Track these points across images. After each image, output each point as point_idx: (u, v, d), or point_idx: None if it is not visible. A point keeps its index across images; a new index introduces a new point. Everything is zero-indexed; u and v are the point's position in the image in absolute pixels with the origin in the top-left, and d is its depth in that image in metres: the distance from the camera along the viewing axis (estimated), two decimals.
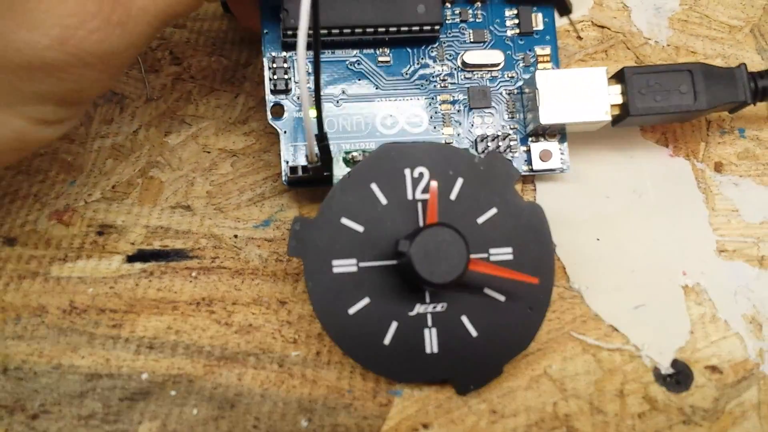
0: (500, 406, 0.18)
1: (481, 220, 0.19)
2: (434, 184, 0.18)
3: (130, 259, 0.21)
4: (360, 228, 0.18)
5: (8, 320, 0.20)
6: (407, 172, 0.19)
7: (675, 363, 0.19)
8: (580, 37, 0.24)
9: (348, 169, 0.19)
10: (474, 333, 0.17)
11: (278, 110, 0.21)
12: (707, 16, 0.26)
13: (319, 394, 0.19)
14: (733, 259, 0.21)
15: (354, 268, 0.18)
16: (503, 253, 0.18)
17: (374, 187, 0.19)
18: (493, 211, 0.19)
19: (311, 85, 0.20)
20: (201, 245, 0.21)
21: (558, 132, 0.22)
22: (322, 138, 0.19)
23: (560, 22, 0.25)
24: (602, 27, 0.26)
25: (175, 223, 0.21)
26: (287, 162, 0.21)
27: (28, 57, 0.16)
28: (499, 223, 0.18)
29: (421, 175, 0.19)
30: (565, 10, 0.22)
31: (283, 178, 0.21)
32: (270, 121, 0.21)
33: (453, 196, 0.19)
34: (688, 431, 0.18)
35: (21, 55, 0.16)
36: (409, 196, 0.19)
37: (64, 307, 0.20)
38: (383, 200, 0.19)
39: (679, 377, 0.19)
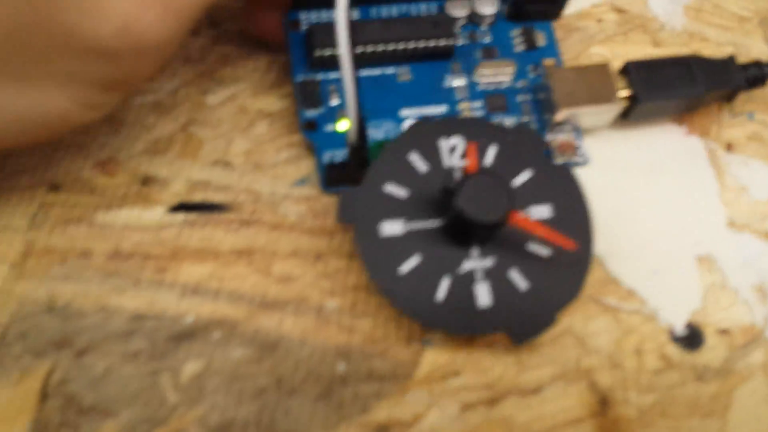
0: (526, 358, 0.20)
1: (517, 182, 0.20)
2: (471, 144, 0.19)
3: (173, 209, 0.21)
4: (403, 193, 0.19)
5: (54, 262, 0.20)
6: (442, 142, 0.20)
7: (688, 326, 0.20)
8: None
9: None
10: (523, 286, 0.19)
11: (311, 125, 0.22)
12: (719, 6, 0.28)
13: (355, 341, 0.20)
14: (742, 233, 0.22)
15: (401, 230, 0.19)
16: (542, 211, 0.19)
17: (412, 157, 0.20)
18: (528, 173, 0.20)
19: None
20: (240, 200, 0.22)
21: (573, 129, 0.23)
22: (361, 146, 0.20)
23: (582, 4, 0.27)
24: (621, 11, 0.27)
25: (215, 178, 0.22)
26: (323, 167, 0.22)
27: (89, 44, 0.16)
28: (535, 184, 0.20)
29: (455, 145, 0.20)
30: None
31: (320, 185, 0.22)
32: (303, 134, 0.22)
33: (488, 161, 0.20)
34: (700, 387, 0.19)
35: (83, 42, 0.16)
36: (446, 164, 0.20)
37: (110, 252, 0.21)
38: (422, 168, 0.20)
39: (692, 339, 0.20)
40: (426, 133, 0.20)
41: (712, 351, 0.20)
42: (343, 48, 0.18)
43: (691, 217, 0.22)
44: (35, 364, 0.19)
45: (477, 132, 0.20)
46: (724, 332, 0.20)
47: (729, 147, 0.24)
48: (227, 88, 0.24)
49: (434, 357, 0.19)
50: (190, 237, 0.21)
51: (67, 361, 0.19)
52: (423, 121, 0.20)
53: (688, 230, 0.22)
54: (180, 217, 0.21)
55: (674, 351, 0.20)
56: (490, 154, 0.20)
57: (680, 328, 0.20)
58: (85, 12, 0.16)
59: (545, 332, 0.18)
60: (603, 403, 0.19)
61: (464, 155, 0.20)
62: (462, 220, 0.18)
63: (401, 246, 0.19)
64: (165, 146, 0.23)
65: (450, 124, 0.20)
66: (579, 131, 0.23)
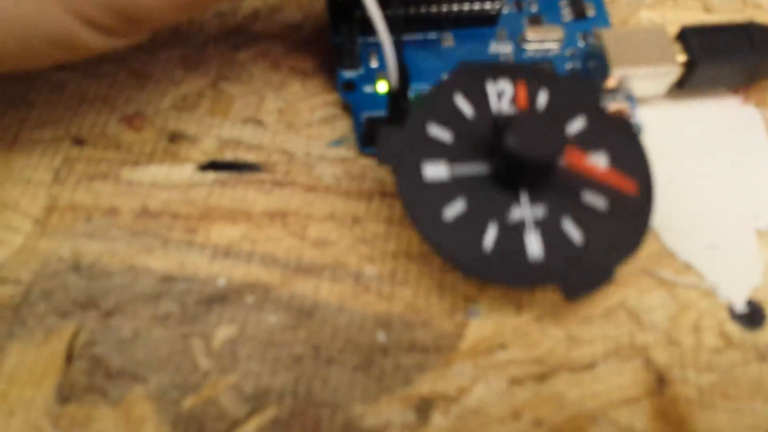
0: (577, 333, 0.18)
1: (571, 129, 0.18)
2: (521, 84, 0.18)
3: (203, 168, 0.20)
4: (448, 136, 0.18)
5: (79, 219, 0.19)
6: (490, 86, 0.19)
7: (749, 302, 0.19)
8: None
9: None
10: (578, 237, 0.17)
11: (350, 86, 0.21)
12: None
13: (396, 310, 0.19)
14: None
15: (446, 174, 0.18)
16: (598, 160, 0.18)
17: (458, 99, 0.19)
18: (582, 120, 0.19)
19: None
20: (273, 160, 0.21)
21: (626, 97, 0.22)
22: (401, 95, 0.19)
23: None
24: None
25: (246, 137, 0.21)
26: (361, 126, 0.21)
27: None
28: (590, 132, 0.19)
29: (503, 90, 0.19)
30: None
31: (358, 145, 0.21)
32: (341, 96, 0.21)
33: (539, 107, 0.19)
34: (763, 368, 0.18)
35: None
36: (494, 109, 0.19)
37: (137, 210, 0.19)
38: (468, 111, 0.19)
39: (753, 316, 0.19)
40: (473, 77, 0.19)
41: None
42: None
43: (748, 190, 0.21)
44: (60, 325, 0.18)
45: (527, 77, 0.19)
46: None
47: None
48: (259, 44, 0.23)
49: (479, 329, 0.18)
50: (221, 197, 0.20)
51: (93, 322, 0.18)
52: (470, 63, 0.19)
53: (746, 203, 0.20)
54: (210, 175, 0.20)
55: (734, 329, 0.19)
56: (542, 100, 0.19)
57: (740, 305, 0.19)
58: None
59: (601, 288, 0.17)
60: (660, 382, 0.18)
61: (513, 100, 0.19)
62: (512, 160, 0.17)
63: (445, 191, 0.18)
64: (194, 102, 0.22)
65: (499, 68, 0.19)
66: (632, 99, 0.22)
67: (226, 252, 0.19)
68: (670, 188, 0.21)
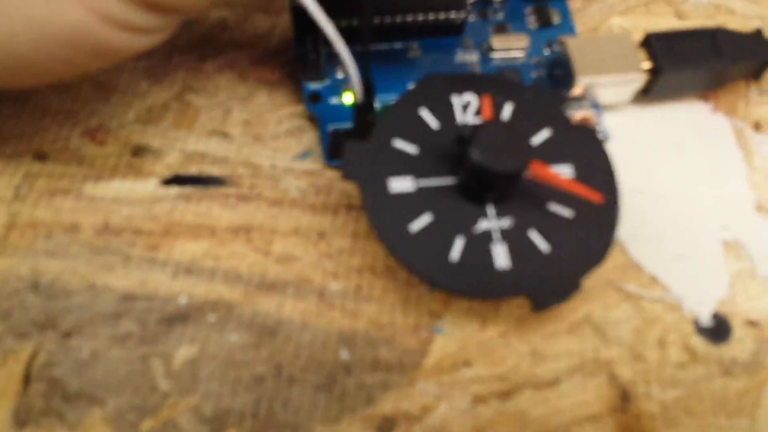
0: (542, 348, 0.18)
1: (536, 140, 0.18)
2: (486, 96, 0.18)
3: (167, 182, 0.20)
4: (414, 149, 0.18)
5: (39, 236, 0.19)
6: (455, 98, 0.19)
7: (715, 316, 0.19)
8: None
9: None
10: (545, 248, 0.17)
11: (315, 97, 0.21)
12: None
13: (360, 327, 0.18)
14: None
15: (412, 186, 0.18)
16: (563, 171, 0.18)
17: (423, 112, 0.19)
18: (547, 131, 0.19)
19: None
20: (239, 173, 0.20)
21: (592, 105, 0.22)
22: (367, 108, 0.19)
23: None
24: None
25: (212, 150, 0.21)
26: (327, 138, 0.20)
27: None
28: (555, 143, 0.19)
29: (468, 102, 0.19)
30: None
31: (324, 158, 0.21)
32: (306, 108, 0.21)
33: (504, 117, 0.19)
34: (727, 382, 0.18)
35: None
36: (459, 121, 0.19)
37: (99, 227, 0.19)
38: (434, 124, 0.18)
39: (718, 330, 0.19)
40: (437, 89, 0.19)
41: (740, 344, 0.19)
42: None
43: (717, 200, 0.21)
44: (18, 346, 0.18)
45: (492, 88, 0.19)
46: (752, 324, 0.19)
47: (757, 126, 0.22)
48: (226, 54, 0.23)
49: (444, 345, 0.18)
50: (185, 212, 0.20)
51: (51, 343, 0.18)
52: (434, 76, 0.19)
53: (714, 214, 0.20)
54: (174, 190, 0.20)
55: (699, 343, 0.18)
56: (506, 111, 0.19)
57: (706, 319, 0.19)
58: None
59: (569, 299, 0.17)
60: (624, 398, 0.18)
61: (478, 112, 0.19)
62: (477, 171, 0.17)
63: (411, 204, 0.17)
64: (158, 115, 0.21)
65: (463, 80, 0.19)
66: (598, 107, 0.22)
67: (189, 269, 0.19)
68: (637, 198, 0.21)
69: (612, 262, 0.20)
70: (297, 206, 0.20)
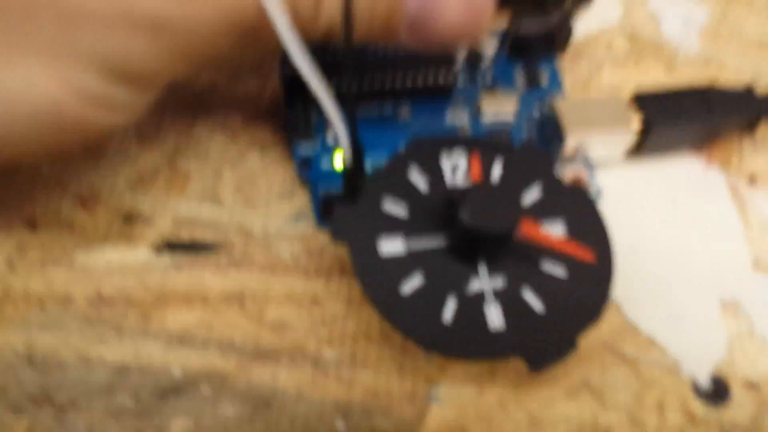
0: (540, 415, 0.18)
1: (527, 199, 0.18)
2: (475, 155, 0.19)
3: (158, 249, 0.20)
4: (403, 211, 0.18)
5: (33, 309, 0.19)
6: (444, 160, 0.19)
7: (713, 378, 0.19)
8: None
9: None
10: (539, 307, 0.17)
11: (306, 162, 0.21)
12: (736, 30, 0.26)
13: (356, 396, 0.18)
14: None
15: (402, 248, 0.18)
16: (555, 229, 0.18)
17: (412, 174, 0.19)
18: (537, 190, 0.19)
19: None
20: (230, 239, 0.20)
21: (584, 163, 0.22)
22: (356, 172, 0.19)
23: (590, 29, 0.25)
24: (632, 35, 0.26)
25: (203, 215, 0.21)
26: (319, 202, 0.21)
27: (74, 6, 0.14)
28: (545, 201, 0.19)
29: (457, 164, 0.19)
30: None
31: (316, 221, 0.21)
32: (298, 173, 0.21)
33: (494, 179, 0.19)
34: None
35: (67, 3, 0.14)
36: (449, 183, 0.19)
37: (91, 297, 0.19)
38: (423, 186, 0.19)
39: (717, 392, 0.19)
40: (426, 151, 0.19)
41: (740, 407, 0.18)
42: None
43: (713, 258, 0.21)
44: (12, 421, 0.18)
45: (481, 149, 0.19)
46: (752, 386, 0.19)
47: (752, 180, 0.22)
48: (217, 115, 0.23)
49: (441, 414, 0.18)
50: (177, 280, 0.20)
51: (47, 418, 0.18)
52: (422, 139, 0.19)
53: (710, 272, 0.20)
54: (166, 258, 0.20)
55: (698, 406, 0.18)
56: (496, 171, 0.19)
57: (705, 381, 0.19)
58: None
59: (565, 358, 0.17)
60: None
61: (468, 173, 0.19)
62: (468, 233, 0.17)
63: (402, 265, 0.17)
64: (149, 180, 0.21)
65: (451, 142, 0.19)
66: (590, 165, 0.22)
67: (182, 339, 0.19)
68: (632, 257, 0.21)
69: (608, 324, 0.20)
70: (290, 272, 0.20)
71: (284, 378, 0.18)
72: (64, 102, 0.15)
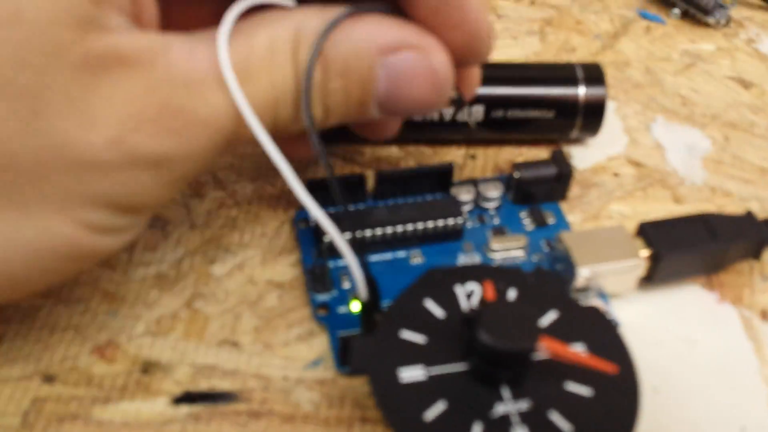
0: None
1: (544, 322, 0.19)
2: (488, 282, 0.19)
3: (177, 401, 0.20)
4: (421, 339, 0.18)
5: None
6: (458, 288, 0.19)
7: None
8: None
9: None
10: (568, 428, 0.17)
11: (323, 308, 0.22)
12: (738, 157, 0.27)
13: None
14: None
15: (423, 375, 0.17)
16: (576, 349, 0.18)
17: (428, 303, 0.19)
18: (554, 312, 0.19)
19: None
20: (249, 386, 0.20)
21: (598, 294, 0.22)
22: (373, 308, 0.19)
23: (597, 158, 0.26)
24: (638, 164, 0.27)
25: (222, 362, 0.21)
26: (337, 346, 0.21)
27: (80, 156, 0.16)
28: (563, 324, 0.19)
29: (472, 291, 0.19)
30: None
31: (335, 365, 0.21)
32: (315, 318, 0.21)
33: (510, 300, 0.19)
34: None
35: (73, 153, 0.15)
36: (464, 308, 0.19)
37: None
38: (439, 313, 0.19)
39: None
40: (440, 281, 0.19)
41: None
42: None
43: (732, 398, 0.20)
44: None
45: (494, 276, 0.19)
46: None
47: (764, 315, 0.22)
48: (235, 256, 0.23)
49: None
50: None
51: None
52: (436, 269, 0.19)
53: (730, 413, 0.20)
54: (184, 409, 0.20)
55: None
56: (511, 296, 0.19)
57: None
58: (74, 121, 0.15)
59: None
60: None
61: (482, 298, 0.19)
62: (488, 353, 0.17)
63: (424, 392, 0.17)
64: (168, 325, 0.21)
65: (464, 271, 0.20)
66: (604, 296, 0.22)
67: None
68: (654, 399, 0.21)
69: None
70: (310, 421, 0.20)
71: None
72: (77, 237, 0.16)
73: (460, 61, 0.19)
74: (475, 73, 0.22)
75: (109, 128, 0.16)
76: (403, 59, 0.18)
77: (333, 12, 0.18)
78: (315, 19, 0.18)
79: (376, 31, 0.18)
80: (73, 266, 0.17)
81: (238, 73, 0.17)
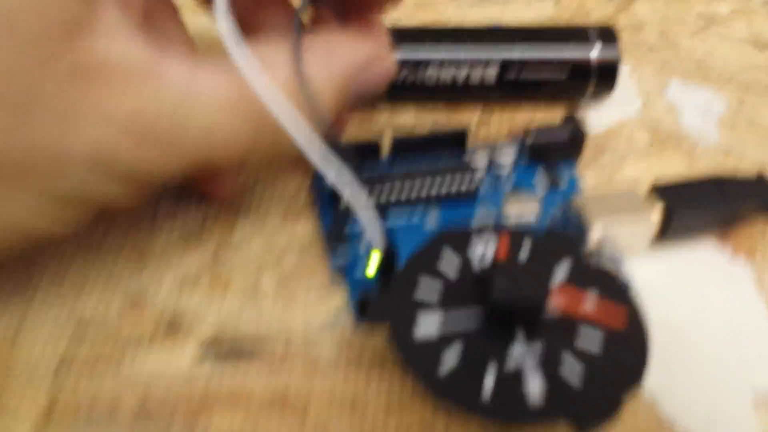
0: None
1: (556, 276, 0.19)
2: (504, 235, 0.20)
3: (203, 353, 0.21)
4: (437, 292, 0.19)
5: (80, 419, 0.19)
6: (475, 239, 0.20)
7: None
8: None
9: None
10: (581, 370, 0.18)
11: (342, 270, 0.22)
12: (753, 121, 0.27)
13: None
14: None
15: (439, 324, 0.18)
16: (588, 297, 0.19)
17: (446, 253, 0.20)
18: (567, 264, 0.19)
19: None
20: (272, 341, 0.21)
21: (611, 259, 0.22)
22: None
23: (612, 122, 0.26)
24: (652, 128, 0.27)
25: (245, 316, 0.21)
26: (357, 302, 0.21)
27: (58, 157, 0.16)
28: (576, 275, 0.19)
29: (488, 242, 0.20)
30: None
31: (354, 317, 0.21)
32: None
33: (522, 258, 0.20)
34: None
35: (54, 154, 0.16)
36: (477, 267, 0.19)
37: (137, 405, 0.20)
38: (454, 268, 0.19)
39: None
40: (459, 235, 0.20)
41: None
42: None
43: (744, 356, 0.21)
44: None
45: (510, 232, 0.20)
46: None
47: None
48: (258, 214, 0.24)
49: None
50: (221, 384, 0.20)
51: None
52: (450, 229, 0.20)
53: (741, 370, 0.21)
54: (209, 361, 0.20)
55: None
56: (523, 254, 0.20)
57: None
58: (59, 128, 0.16)
59: (613, 417, 0.17)
60: None
61: (496, 253, 0.20)
62: (502, 305, 0.18)
63: (440, 337, 0.18)
64: (193, 281, 0.22)
65: (483, 228, 0.20)
66: (618, 259, 0.22)
67: None
68: (664, 355, 0.21)
69: (645, 422, 0.20)
70: (330, 372, 0.20)
71: None
72: (39, 224, 0.18)
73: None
74: None
75: (89, 136, 0.16)
76: (372, 73, 0.20)
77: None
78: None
79: (349, 53, 0.20)
80: (20, 245, 0.19)
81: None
